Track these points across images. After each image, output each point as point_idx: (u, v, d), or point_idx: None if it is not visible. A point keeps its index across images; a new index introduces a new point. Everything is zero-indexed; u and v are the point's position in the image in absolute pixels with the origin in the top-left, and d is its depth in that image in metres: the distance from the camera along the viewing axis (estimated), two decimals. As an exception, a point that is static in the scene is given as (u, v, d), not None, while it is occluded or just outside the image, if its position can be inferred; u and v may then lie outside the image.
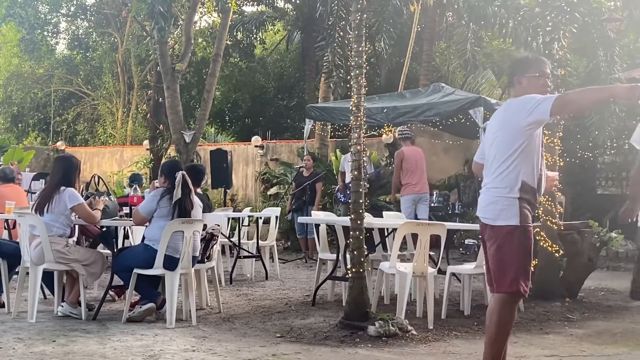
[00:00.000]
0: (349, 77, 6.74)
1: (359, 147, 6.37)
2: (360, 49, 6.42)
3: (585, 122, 8.86)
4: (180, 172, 6.66)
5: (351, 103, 6.45)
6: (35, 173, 14.89)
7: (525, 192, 4.38)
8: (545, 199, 8.13)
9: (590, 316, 7.36)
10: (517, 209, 4.35)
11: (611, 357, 5.55)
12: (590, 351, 5.76)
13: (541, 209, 8.18)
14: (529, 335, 6.36)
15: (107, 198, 7.31)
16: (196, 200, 6.81)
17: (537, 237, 8.07)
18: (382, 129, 15.25)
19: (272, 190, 16.79)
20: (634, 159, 13.17)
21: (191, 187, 6.75)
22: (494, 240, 4.43)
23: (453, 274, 7.44)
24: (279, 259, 10.76)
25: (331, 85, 11.09)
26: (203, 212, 7.27)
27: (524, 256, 4.38)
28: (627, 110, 9.21)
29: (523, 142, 4.40)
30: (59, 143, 22.92)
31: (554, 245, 7.99)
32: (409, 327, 6.12)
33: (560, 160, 8.34)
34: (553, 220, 8.09)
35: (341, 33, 8.00)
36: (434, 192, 13.93)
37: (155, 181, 7.00)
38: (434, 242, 7.00)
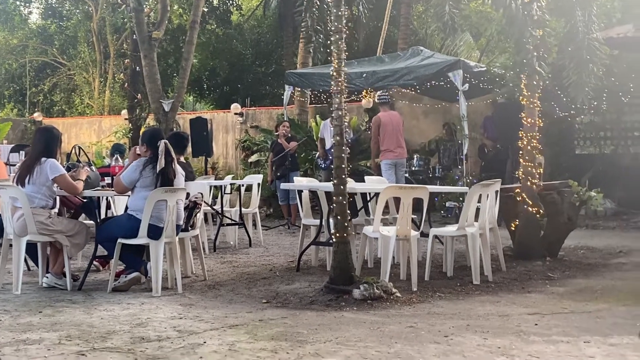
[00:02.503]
0: (328, 42, 6.72)
1: (340, 113, 6.38)
2: (339, 13, 6.39)
3: (564, 82, 8.88)
4: (163, 140, 6.63)
5: (332, 68, 6.45)
6: (13, 145, 14.77)
7: None
8: (525, 160, 8.20)
9: (571, 274, 7.48)
10: None
11: (592, 314, 5.65)
12: (571, 308, 5.86)
13: (521, 169, 8.26)
14: (511, 295, 6.46)
15: (89, 168, 7.28)
16: (179, 169, 6.80)
17: (518, 198, 8.16)
18: (361, 94, 15.24)
19: (253, 158, 16.79)
20: (611, 118, 13.33)
21: (174, 155, 6.73)
22: None
23: (435, 237, 7.52)
24: (261, 226, 10.79)
25: (310, 50, 11.02)
26: (186, 180, 7.26)
27: None
28: (605, 70, 9.25)
29: None
30: (35, 114, 22.67)
31: (535, 206, 8.08)
32: (394, 290, 6.18)
33: (540, 121, 8.40)
34: (533, 181, 8.17)
35: (319, -3, 7.98)
36: (415, 156, 14.00)
37: (136, 147, 6.95)
38: (415, 205, 7.05)
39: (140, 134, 7.43)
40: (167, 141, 6.67)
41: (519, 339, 4.79)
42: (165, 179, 6.56)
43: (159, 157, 6.52)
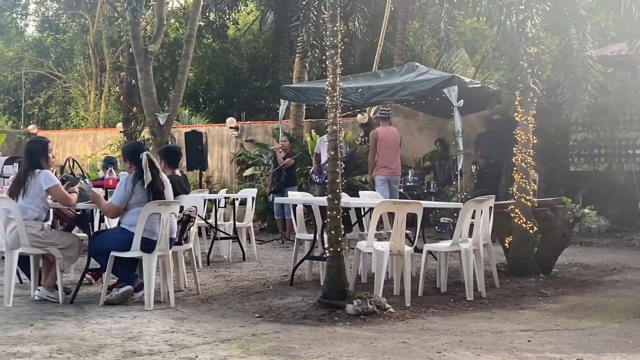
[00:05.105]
0: (324, 57, 6.74)
1: (335, 127, 6.39)
2: (335, 28, 6.42)
3: (558, 99, 8.91)
4: (144, 153, 6.61)
5: (327, 83, 6.46)
6: (7, 157, 14.72)
7: None
8: (519, 177, 8.21)
9: (564, 291, 7.47)
10: None
11: (585, 331, 5.64)
12: (564, 325, 5.86)
13: (515, 186, 8.27)
14: (504, 311, 6.45)
15: (83, 181, 7.26)
16: (165, 179, 6.78)
17: (512, 214, 8.17)
18: (358, 109, 15.28)
19: (248, 172, 16.77)
20: (605, 135, 13.38)
21: (158, 166, 6.72)
22: None
23: (429, 252, 7.51)
24: (255, 240, 10.77)
25: (306, 65, 11.06)
26: (181, 194, 7.26)
27: None
28: (600, 87, 9.30)
29: None
30: (30, 126, 22.61)
31: (528, 222, 8.08)
32: (387, 305, 6.17)
33: (534, 137, 8.42)
34: (527, 197, 8.18)
35: (316, 13, 7.99)
36: (409, 172, 14.03)
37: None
38: (410, 220, 7.05)
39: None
40: (148, 152, 6.66)
41: (511, 356, 4.78)
42: (156, 192, 6.55)
43: (144, 170, 6.50)
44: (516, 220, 8.13)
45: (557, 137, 12.97)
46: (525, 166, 8.25)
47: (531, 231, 8.12)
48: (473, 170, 14.05)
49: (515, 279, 7.88)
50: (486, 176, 13.94)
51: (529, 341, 5.23)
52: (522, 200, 8.16)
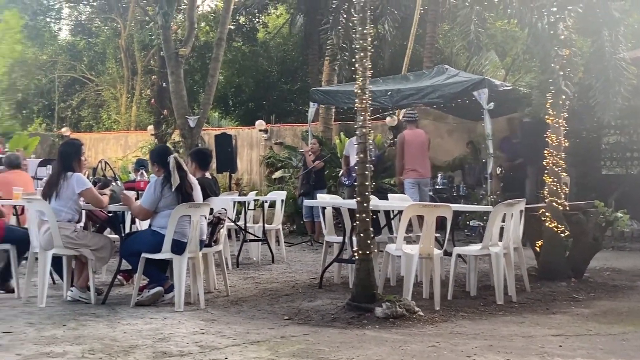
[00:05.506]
0: (353, 60, 6.74)
1: (364, 130, 6.39)
2: (364, 31, 6.42)
3: (590, 102, 8.83)
4: (172, 156, 6.66)
5: (356, 86, 6.46)
6: (40, 159, 14.92)
7: None
8: (550, 180, 8.14)
9: (596, 296, 7.39)
10: None
11: (617, 336, 5.58)
12: (596, 330, 5.79)
13: (546, 189, 8.20)
14: (535, 315, 6.40)
15: (114, 183, 7.34)
16: (193, 181, 6.83)
17: (543, 218, 8.09)
18: (387, 112, 15.26)
19: (277, 174, 16.83)
20: (639, 138, 13.21)
21: (186, 168, 6.77)
22: None
23: (459, 256, 7.48)
24: (285, 242, 10.80)
25: (335, 68, 11.10)
26: (211, 196, 7.30)
27: None
28: (633, 90, 9.19)
29: None
30: (63, 129, 22.89)
31: (560, 226, 8.00)
32: (416, 308, 6.15)
33: (565, 140, 8.34)
34: (558, 201, 8.10)
35: (345, 16, 8.01)
36: (439, 174, 13.96)
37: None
38: (439, 223, 7.02)
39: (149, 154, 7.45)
40: (176, 155, 6.71)
41: (542, 361, 4.74)
42: (185, 195, 6.59)
43: (172, 173, 6.55)
44: (547, 224, 8.05)
45: (589, 140, 12.83)
46: (556, 169, 8.18)
47: (562, 235, 8.04)
48: (498, 172, 13.96)
49: (546, 283, 7.81)
50: (512, 179, 13.83)
51: (560, 346, 5.19)
52: (554, 203, 8.09)
